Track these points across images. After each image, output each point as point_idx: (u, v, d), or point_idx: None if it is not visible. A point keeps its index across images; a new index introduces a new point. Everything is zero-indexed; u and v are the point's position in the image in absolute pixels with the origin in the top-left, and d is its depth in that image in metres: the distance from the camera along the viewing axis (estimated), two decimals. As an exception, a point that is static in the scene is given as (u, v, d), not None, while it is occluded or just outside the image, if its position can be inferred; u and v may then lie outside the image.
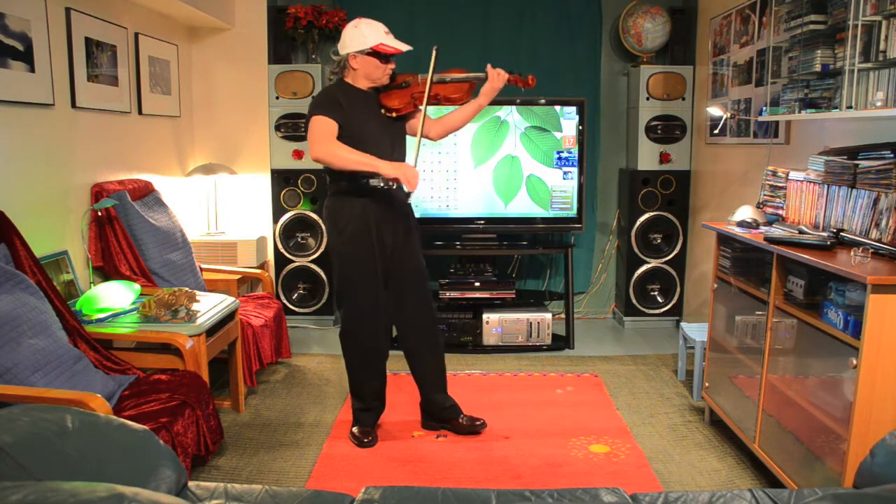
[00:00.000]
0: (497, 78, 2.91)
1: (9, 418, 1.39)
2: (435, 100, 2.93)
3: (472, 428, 3.11)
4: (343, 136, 2.81)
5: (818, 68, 2.71)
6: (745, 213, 3.07)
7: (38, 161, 3.06)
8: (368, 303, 2.96)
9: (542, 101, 4.43)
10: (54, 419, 1.44)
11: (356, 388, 3.11)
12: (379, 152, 2.81)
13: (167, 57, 4.28)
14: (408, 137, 3.05)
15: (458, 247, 4.55)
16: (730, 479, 2.76)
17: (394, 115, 2.92)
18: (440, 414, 3.16)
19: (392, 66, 2.90)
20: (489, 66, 2.94)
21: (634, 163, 4.80)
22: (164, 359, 2.86)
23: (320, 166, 4.61)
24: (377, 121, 2.91)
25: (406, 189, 2.77)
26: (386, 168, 2.74)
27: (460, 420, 3.14)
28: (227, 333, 3.20)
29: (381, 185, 2.80)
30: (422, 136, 2.92)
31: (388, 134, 2.94)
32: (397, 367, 3.85)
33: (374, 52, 2.82)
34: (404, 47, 2.84)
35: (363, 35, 2.81)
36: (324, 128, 2.79)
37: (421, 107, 2.90)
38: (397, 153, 2.96)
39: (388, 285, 3.01)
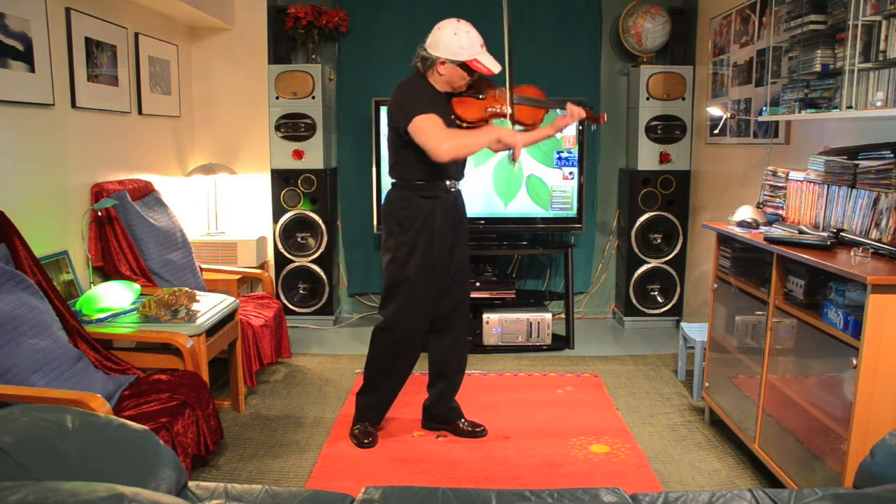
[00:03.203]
0: (576, 115, 2.84)
1: (9, 418, 1.39)
2: (508, 118, 2.86)
3: (473, 433, 3.11)
4: None
5: (818, 68, 2.71)
6: (745, 213, 3.07)
7: (38, 161, 3.06)
8: (420, 303, 2.93)
9: (542, 101, 4.42)
10: (54, 419, 1.44)
11: (373, 385, 3.06)
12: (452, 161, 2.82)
13: (167, 57, 4.28)
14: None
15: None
16: (730, 479, 2.76)
17: (464, 125, 2.86)
18: (443, 415, 3.15)
19: (474, 76, 2.83)
20: (570, 103, 2.86)
21: (634, 163, 4.80)
22: (164, 359, 2.86)
23: (320, 166, 4.68)
24: (449, 124, 2.84)
25: (513, 155, 2.74)
26: (506, 135, 2.76)
27: (461, 424, 3.13)
28: (227, 333, 3.20)
29: (452, 183, 2.87)
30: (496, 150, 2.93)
31: None
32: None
33: (465, 66, 2.75)
34: (496, 69, 2.77)
35: (460, 45, 2.73)
36: (434, 126, 2.71)
37: (503, 120, 2.87)
38: (463, 162, 2.96)
39: (439, 283, 2.97)
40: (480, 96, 2.86)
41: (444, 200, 2.87)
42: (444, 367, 3.10)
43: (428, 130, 2.70)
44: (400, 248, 2.88)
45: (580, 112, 2.85)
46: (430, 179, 2.84)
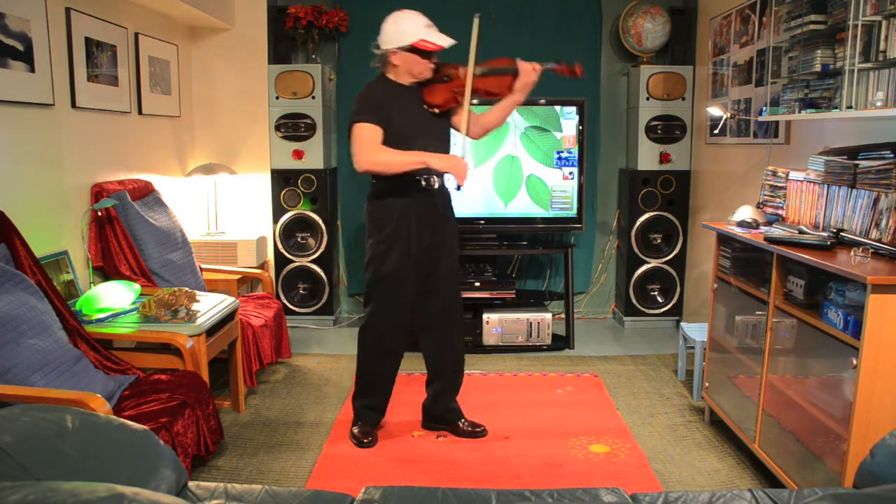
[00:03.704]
0: (531, 72, 2.80)
1: (9, 418, 1.39)
2: (475, 94, 2.83)
3: (473, 434, 3.11)
4: (388, 137, 2.77)
5: (818, 68, 2.71)
6: (745, 213, 3.07)
7: (38, 161, 3.06)
8: (397, 302, 2.93)
9: (542, 101, 4.43)
10: (54, 419, 1.44)
11: (366, 386, 3.08)
12: (425, 149, 2.79)
13: (167, 57, 4.28)
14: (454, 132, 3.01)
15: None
16: (730, 479, 2.76)
17: (436, 111, 2.86)
18: (443, 415, 3.15)
19: (434, 60, 2.81)
20: (519, 60, 2.82)
21: (634, 163, 4.80)
22: (164, 359, 2.86)
23: (320, 166, 4.68)
24: (422, 118, 2.85)
25: (457, 183, 2.74)
26: (436, 162, 2.74)
27: (461, 424, 3.13)
28: (227, 333, 3.20)
29: (429, 182, 2.81)
30: (465, 132, 2.87)
31: (434, 130, 2.88)
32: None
33: (414, 49, 2.75)
34: (446, 42, 2.75)
35: (402, 31, 2.74)
36: (367, 136, 2.73)
37: (462, 101, 2.83)
38: (443, 149, 2.92)
39: (421, 284, 2.96)
40: (446, 79, 2.85)
41: (420, 198, 2.86)
42: (440, 366, 3.10)
43: (361, 139, 2.75)
44: (377, 247, 2.90)
45: (533, 66, 2.80)
46: (403, 177, 2.81)
